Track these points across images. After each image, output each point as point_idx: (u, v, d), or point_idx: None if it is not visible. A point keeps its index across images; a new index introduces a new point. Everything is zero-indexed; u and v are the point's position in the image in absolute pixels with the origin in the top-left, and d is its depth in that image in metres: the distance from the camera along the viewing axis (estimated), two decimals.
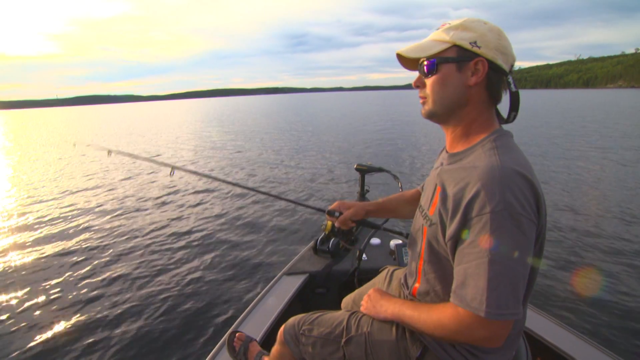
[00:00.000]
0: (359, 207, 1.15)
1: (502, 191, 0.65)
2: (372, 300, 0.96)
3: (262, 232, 4.29)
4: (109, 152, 2.05)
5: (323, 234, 2.03)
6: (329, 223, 1.25)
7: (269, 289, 1.73)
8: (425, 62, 0.78)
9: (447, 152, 0.85)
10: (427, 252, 0.82)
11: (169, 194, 6.21)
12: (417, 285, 0.89)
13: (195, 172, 2.15)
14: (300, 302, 1.82)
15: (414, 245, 0.90)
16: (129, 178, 7.56)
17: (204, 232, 4.37)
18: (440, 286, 0.81)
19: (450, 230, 0.71)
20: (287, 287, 1.74)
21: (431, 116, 0.82)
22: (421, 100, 0.83)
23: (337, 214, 1.17)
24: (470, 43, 0.73)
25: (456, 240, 0.71)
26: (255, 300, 1.64)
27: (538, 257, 0.72)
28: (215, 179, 1.86)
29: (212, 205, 5.53)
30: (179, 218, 4.92)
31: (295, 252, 2.40)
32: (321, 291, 1.86)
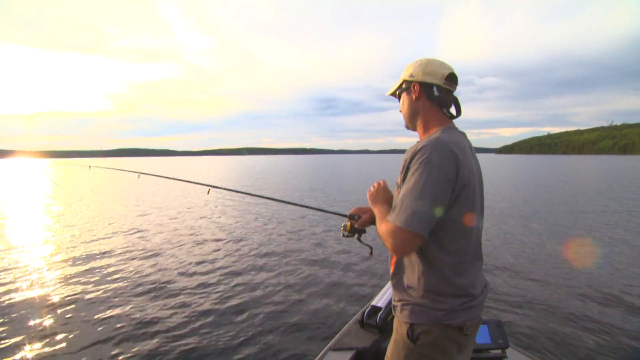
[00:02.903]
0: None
1: (431, 151, 1.04)
2: (377, 194, 1.28)
3: (304, 300, 4.09)
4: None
5: (369, 307, 2.12)
6: (349, 224, 1.47)
7: None
8: (396, 95, 1.33)
9: None
10: None
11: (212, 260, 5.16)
12: None
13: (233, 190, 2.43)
14: None
15: None
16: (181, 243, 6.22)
17: (243, 297, 4.14)
18: None
19: (400, 180, 1.12)
20: None
21: (406, 127, 1.31)
22: None
23: (356, 217, 1.45)
24: (409, 76, 1.24)
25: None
26: None
27: (469, 212, 1.10)
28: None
29: (250, 266, 5.38)
30: (216, 281, 4.74)
31: (340, 324, 2.36)
32: None
